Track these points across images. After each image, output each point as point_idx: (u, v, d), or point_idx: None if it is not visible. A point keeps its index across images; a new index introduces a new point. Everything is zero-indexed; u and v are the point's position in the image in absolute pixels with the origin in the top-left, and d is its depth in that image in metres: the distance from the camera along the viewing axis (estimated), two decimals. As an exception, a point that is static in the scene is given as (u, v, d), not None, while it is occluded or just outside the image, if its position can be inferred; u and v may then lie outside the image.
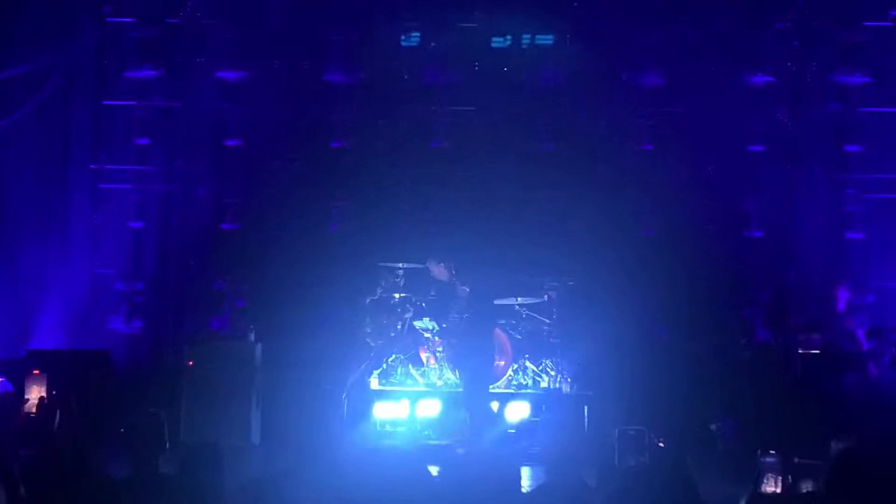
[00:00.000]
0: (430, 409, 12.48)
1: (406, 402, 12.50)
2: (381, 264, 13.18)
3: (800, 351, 12.66)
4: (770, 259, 14.28)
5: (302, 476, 5.09)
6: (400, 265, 13.09)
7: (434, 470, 5.55)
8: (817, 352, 12.70)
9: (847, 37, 14.13)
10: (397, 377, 13.01)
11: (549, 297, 13.37)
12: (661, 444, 6.68)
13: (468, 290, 12.24)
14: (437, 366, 13.11)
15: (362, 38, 14.56)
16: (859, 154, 14.30)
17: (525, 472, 8.85)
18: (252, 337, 12.85)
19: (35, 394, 10.85)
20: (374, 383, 12.90)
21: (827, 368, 12.44)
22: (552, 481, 5.65)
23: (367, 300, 12.42)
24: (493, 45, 14.61)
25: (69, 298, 13.96)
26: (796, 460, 11.71)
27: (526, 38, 14.62)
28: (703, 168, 14.36)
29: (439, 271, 12.54)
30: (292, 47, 14.68)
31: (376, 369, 13.00)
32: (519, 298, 13.23)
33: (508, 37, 14.63)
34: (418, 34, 14.65)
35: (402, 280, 13.11)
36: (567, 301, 13.36)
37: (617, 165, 14.33)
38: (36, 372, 11.24)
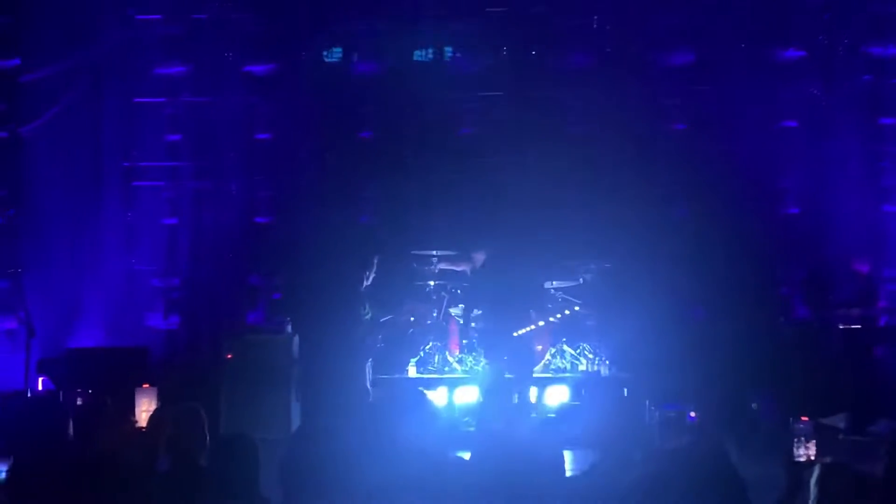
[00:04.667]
0: (468, 395, 12.45)
1: (444, 389, 12.48)
2: (415, 252, 13.19)
3: (840, 326, 12.55)
4: (806, 235, 14.14)
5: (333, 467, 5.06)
6: (434, 253, 13.08)
7: (466, 455, 5.53)
8: (858, 327, 12.60)
9: (879, 8, 13.96)
10: (435, 365, 12.99)
11: (584, 280, 13.32)
12: (693, 416, 6.64)
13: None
14: (461, 353, 13.08)
15: (388, 28, 14.55)
16: (895, 126, 14.13)
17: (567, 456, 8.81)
18: (289, 329, 12.87)
19: (146, 407, 10.81)
20: (411, 371, 12.91)
21: (869, 343, 12.35)
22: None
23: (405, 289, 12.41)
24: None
25: (106, 296, 14.03)
26: (840, 437, 11.68)
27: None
28: (736, 146, 14.21)
29: (479, 259, 12.59)
30: (319, 39, 14.67)
31: (413, 357, 13.02)
32: (554, 282, 13.17)
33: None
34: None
35: (437, 268, 13.11)
36: (603, 283, 13.30)
37: (649, 146, 14.21)
38: (146, 385, 11.21)
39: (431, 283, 13.14)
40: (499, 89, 14.66)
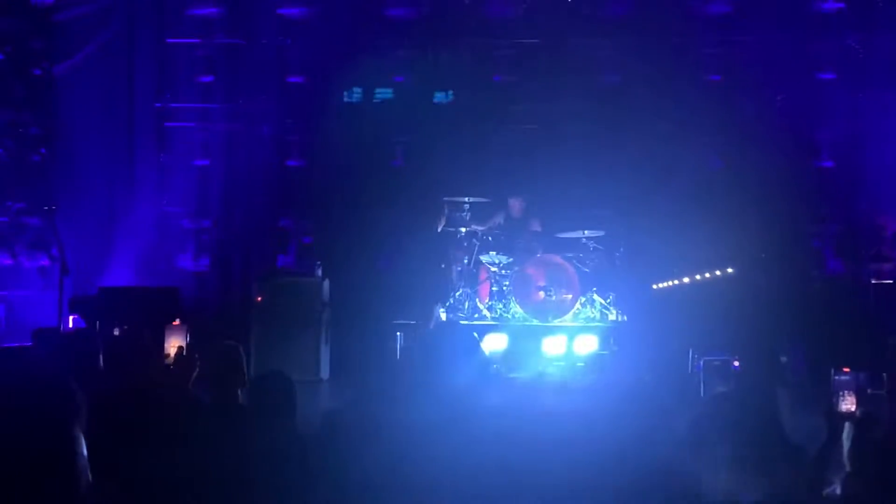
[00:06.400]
0: (497, 342, 12.44)
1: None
2: (447, 198, 13.15)
3: (872, 281, 12.49)
4: (840, 189, 14.04)
5: (366, 410, 5.08)
6: (466, 199, 13.04)
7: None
8: (890, 282, 12.53)
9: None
10: (465, 311, 12.99)
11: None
12: (737, 364, 6.64)
13: (539, 225, 12.30)
14: (490, 301, 13.06)
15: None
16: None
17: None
18: (319, 273, 12.89)
19: (174, 344, 10.84)
20: (441, 317, 12.90)
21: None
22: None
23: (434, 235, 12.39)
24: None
25: (137, 236, 14.08)
26: (869, 391, 11.63)
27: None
28: (772, 97, 14.09)
29: (515, 206, 12.59)
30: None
31: (444, 303, 13.01)
32: (586, 232, 13.12)
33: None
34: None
35: (469, 214, 13.08)
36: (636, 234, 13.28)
37: (684, 97, 14.06)
38: (176, 323, 11.24)
39: (462, 229, 13.10)
40: (534, 37, 14.53)
